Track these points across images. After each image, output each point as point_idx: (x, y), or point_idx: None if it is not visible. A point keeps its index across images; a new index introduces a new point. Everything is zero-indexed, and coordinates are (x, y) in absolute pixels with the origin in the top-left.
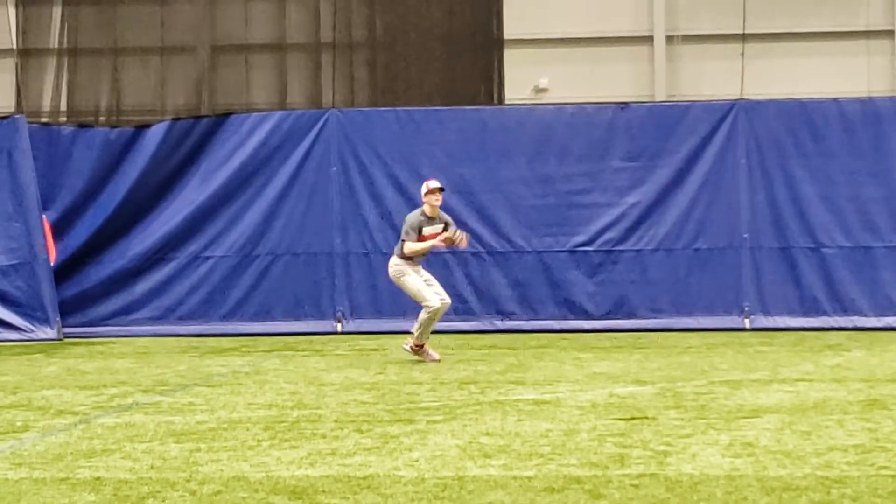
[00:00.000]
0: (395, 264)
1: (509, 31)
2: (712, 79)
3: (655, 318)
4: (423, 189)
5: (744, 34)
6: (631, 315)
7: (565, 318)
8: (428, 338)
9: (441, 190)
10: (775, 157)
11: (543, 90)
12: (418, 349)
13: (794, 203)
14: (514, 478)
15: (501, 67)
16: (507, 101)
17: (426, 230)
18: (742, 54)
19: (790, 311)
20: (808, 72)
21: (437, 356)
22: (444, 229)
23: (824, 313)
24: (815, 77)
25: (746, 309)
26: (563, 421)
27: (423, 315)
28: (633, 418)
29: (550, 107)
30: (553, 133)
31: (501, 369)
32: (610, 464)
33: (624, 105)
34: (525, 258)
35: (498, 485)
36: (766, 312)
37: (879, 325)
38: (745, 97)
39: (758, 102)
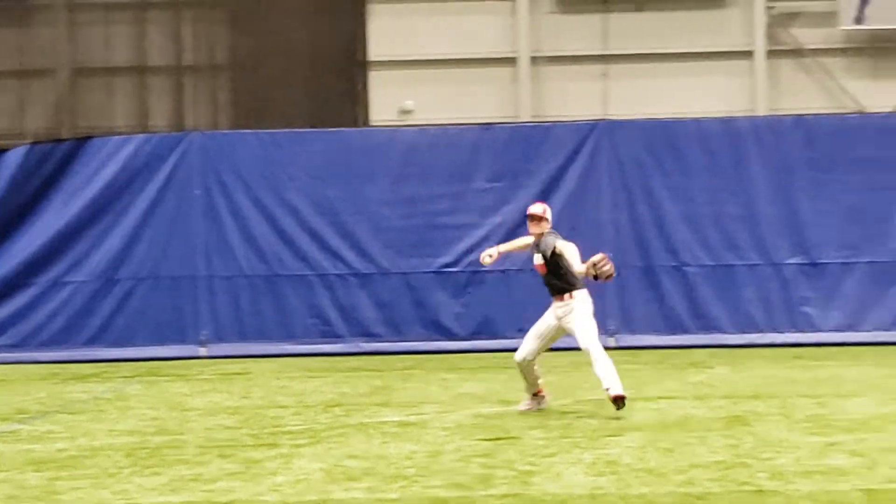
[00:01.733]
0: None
1: (374, 53)
2: (576, 99)
3: (520, 338)
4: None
5: (606, 55)
6: (497, 335)
7: (431, 339)
8: (531, 387)
9: (533, 217)
10: (638, 177)
11: (408, 112)
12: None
13: (656, 222)
14: (379, 500)
15: (366, 89)
16: (372, 123)
17: (535, 258)
18: (604, 75)
19: (654, 329)
20: (670, 92)
21: (523, 406)
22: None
23: (687, 331)
24: (677, 97)
25: (612, 328)
26: (428, 442)
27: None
28: (498, 438)
29: (414, 128)
30: (417, 154)
31: (367, 391)
32: (475, 484)
33: (487, 126)
34: (390, 279)
35: None
36: (631, 331)
37: (741, 342)
38: (608, 117)
39: (620, 122)
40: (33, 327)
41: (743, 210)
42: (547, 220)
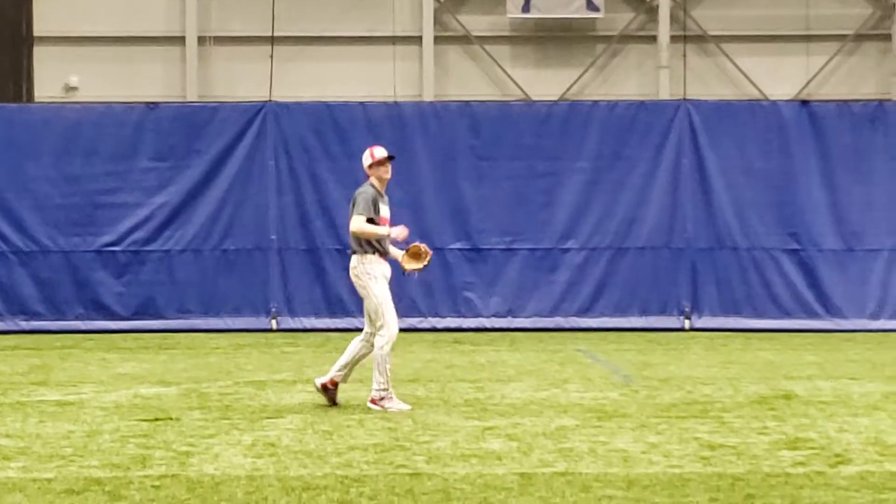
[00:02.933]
0: (363, 262)
1: (39, 29)
2: (244, 81)
3: (183, 318)
4: (367, 159)
5: (273, 37)
6: (158, 316)
7: (91, 319)
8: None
9: (391, 158)
10: (303, 160)
11: (74, 89)
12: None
13: (320, 205)
14: (34, 480)
15: (31, 65)
16: (36, 100)
17: (382, 210)
18: (271, 56)
19: (316, 312)
20: (337, 76)
21: (405, 405)
22: None
23: (350, 314)
24: (344, 81)
25: (273, 310)
26: (85, 422)
27: (380, 350)
28: (156, 419)
29: (78, 105)
30: (80, 132)
31: (24, 370)
32: (132, 465)
33: (153, 105)
34: (51, 258)
35: (16, 487)
36: (293, 313)
37: (403, 325)
38: (275, 99)
39: (286, 105)
40: None
41: (407, 195)
42: None
